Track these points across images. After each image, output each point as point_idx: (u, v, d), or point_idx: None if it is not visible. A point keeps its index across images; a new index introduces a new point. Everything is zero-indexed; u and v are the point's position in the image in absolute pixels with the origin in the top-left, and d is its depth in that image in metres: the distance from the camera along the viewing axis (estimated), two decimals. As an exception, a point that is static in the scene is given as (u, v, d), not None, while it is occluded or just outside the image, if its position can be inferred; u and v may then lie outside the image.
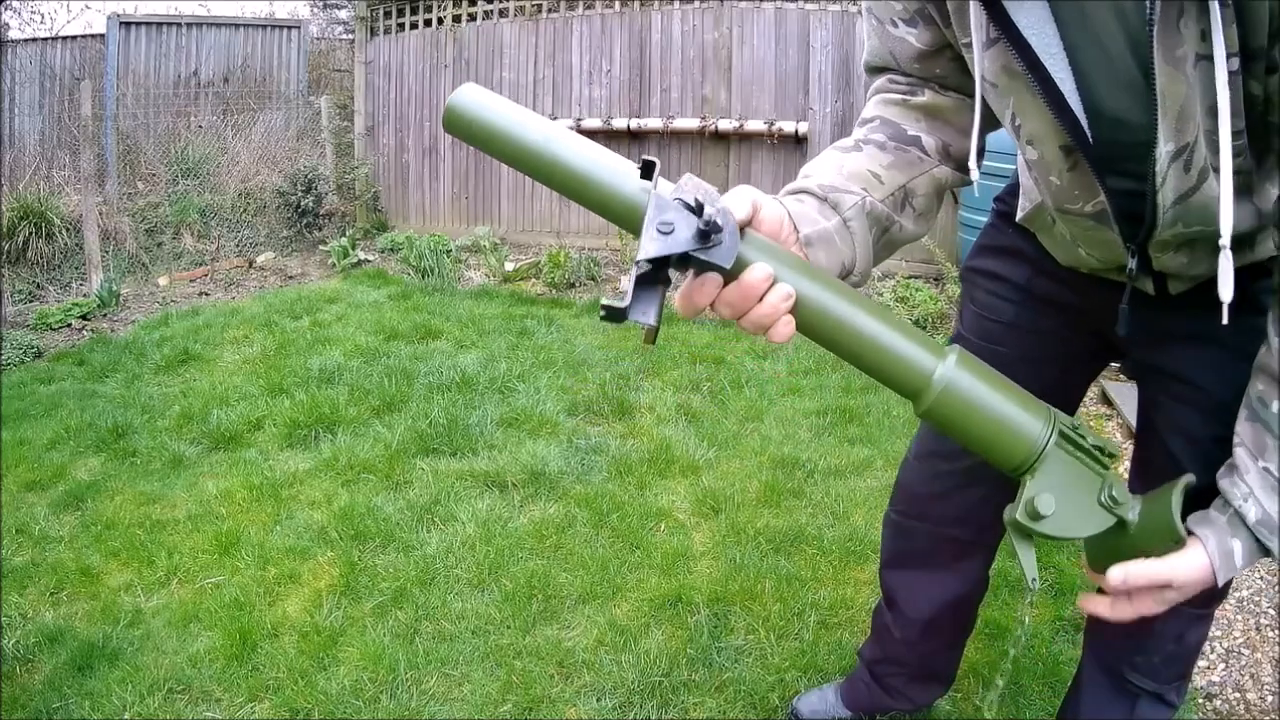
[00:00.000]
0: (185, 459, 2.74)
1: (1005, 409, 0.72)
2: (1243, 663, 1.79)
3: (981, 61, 0.78)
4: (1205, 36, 0.66)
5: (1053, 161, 0.82)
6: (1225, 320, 0.72)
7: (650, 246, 0.63)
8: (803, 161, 5.16)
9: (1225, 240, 0.70)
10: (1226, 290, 0.71)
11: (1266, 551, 0.78)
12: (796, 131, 4.90)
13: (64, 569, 2.15)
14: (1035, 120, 0.79)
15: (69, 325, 4.50)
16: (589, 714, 1.64)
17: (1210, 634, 1.87)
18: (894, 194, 0.85)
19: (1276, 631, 1.88)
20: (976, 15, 0.75)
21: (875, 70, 0.93)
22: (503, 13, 5.86)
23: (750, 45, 5.09)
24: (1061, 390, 0.84)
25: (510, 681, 1.71)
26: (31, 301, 5.03)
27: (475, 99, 0.72)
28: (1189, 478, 0.79)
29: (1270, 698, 1.69)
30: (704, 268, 0.67)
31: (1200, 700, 1.69)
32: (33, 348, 4.00)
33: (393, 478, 2.55)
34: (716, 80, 5.20)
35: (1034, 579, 0.78)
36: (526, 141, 0.71)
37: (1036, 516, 0.74)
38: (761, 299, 0.65)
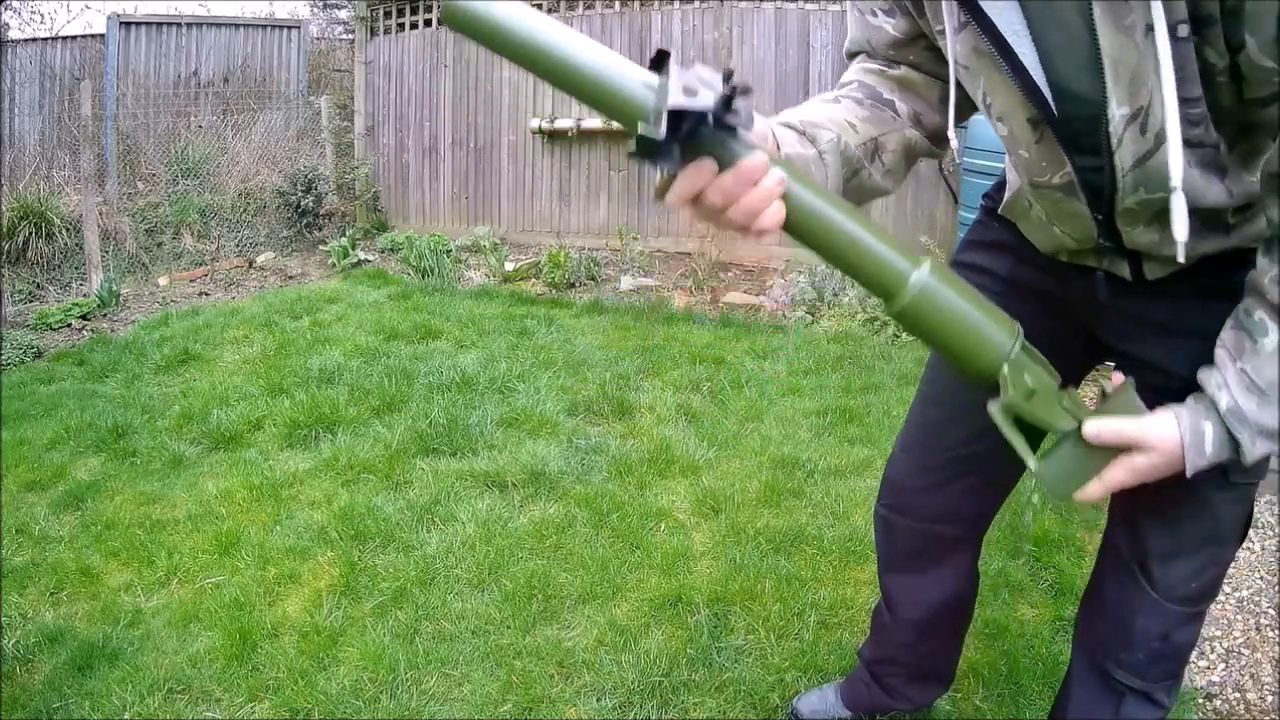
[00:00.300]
0: (185, 459, 2.74)
1: (976, 315, 0.77)
2: (1243, 663, 1.79)
3: (954, 45, 0.84)
4: (1150, 9, 0.70)
5: (1021, 135, 0.86)
6: (1180, 257, 0.75)
7: (678, 100, 0.63)
8: (803, 161, 5.17)
9: (1176, 182, 0.74)
10: (1181, 229, 0.74)
11: (1236, 446, 0.81)
12: (796, 131, 4.90)
13: (64, 569, 2.15)
14: (1004, 97, 0.84)
15: (69, 325, 4.50)
16: (589, 714, 1.64)
17: (1210, 634, 1.87)
18: (866, 143, 0.90)
19: (1276, 631, 1.88)
20: (947, 2, 0.81)
21: (854, 56, 1.00)
22: (503, 13, 5.85)
23: (750, 45, 5.09)
24: None
25: (510, 681, 1.71)
26: (31, 301, 5.03)
27: None
28: (1132, 379, 0.85)
29: (1270, 698, 1.69)
30: (719, 139, 0.67)
31: (1200, 700, 1.69)
32: (33, 348, 4.00)
33: (393, 478, 2.55)
34: (716, 80, 5.19)
35: (1034, 466, 0.84)
36: (530, 35, 0.70)
37: (1030, 394, 0.79)
38: (756, 184, 0.67)
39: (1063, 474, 0.86)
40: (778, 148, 0.80)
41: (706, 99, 0.64)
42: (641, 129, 0.63)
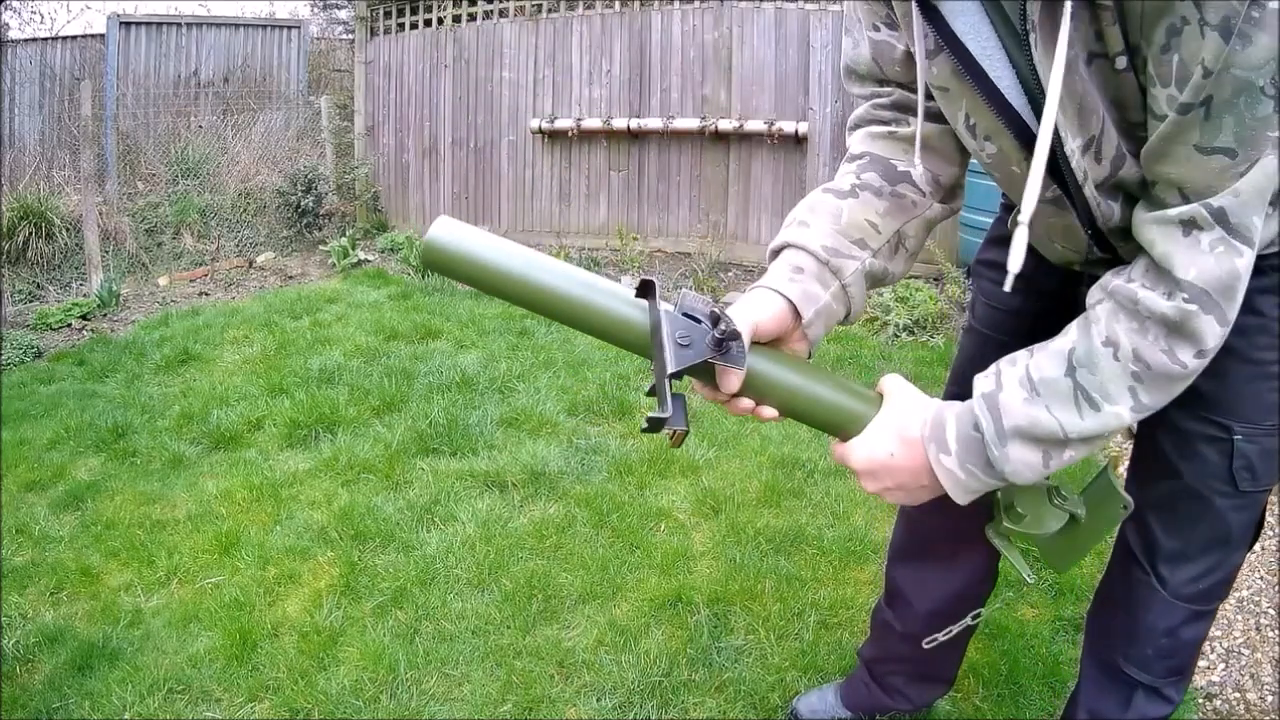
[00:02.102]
0: (185, 459, 2.74)
1: None
2: (1243, 663, 1.79)
3: (930, 69, 0.81)
4: (1100, 36, 0.68)
5: (1010, 152, 0.84)
6: (1008, 287, 0.74)
7: (676, 359, 0.71)
8: (803, 162, 5.14)
9: (1024, 217, 0.72)
10: (1016, 260, 0.72)
11: (977, 431, 0.76)
12: (796, 132, 4.90)
13: (64, 569, 2.15)
14: (989, 116, 0.81)
15: (69, 325, 4.50)
16: (589, 714, 1.64)
17: (1210, 634, 1.87)
18: (889, 241, 0.91)
19: (1276, 631, 1.88)
20: (919, 25, 0.78)
21: (858, 77, 0.96)
22: (503, 13, 5.86)
23: (750, 45, 5.09)
24: None
25: (510, 681, 1.71)
26: (31, 301, 5.03)
27: (454, 232, 0.79)
28: (1108, 461, 0.88)
29: (1270, 698, 1.69)
30: (722, 370, 0.76)
31: (1200, 700, 1.69)
32: (33, 348, 4.00)
33: (393, 478, 2.54)
34: (716, 80, 5.20)
35: (1029, 575, 0.90)
36: (516, 271, 0.77)
37: (1018, 517, 0.84)
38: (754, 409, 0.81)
39: (1056, 551, 0.90)
40: (797, 316, 0.84)
41: (700, 347, 0.72)
42: (651, 413, 0.71)
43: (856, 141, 0.96)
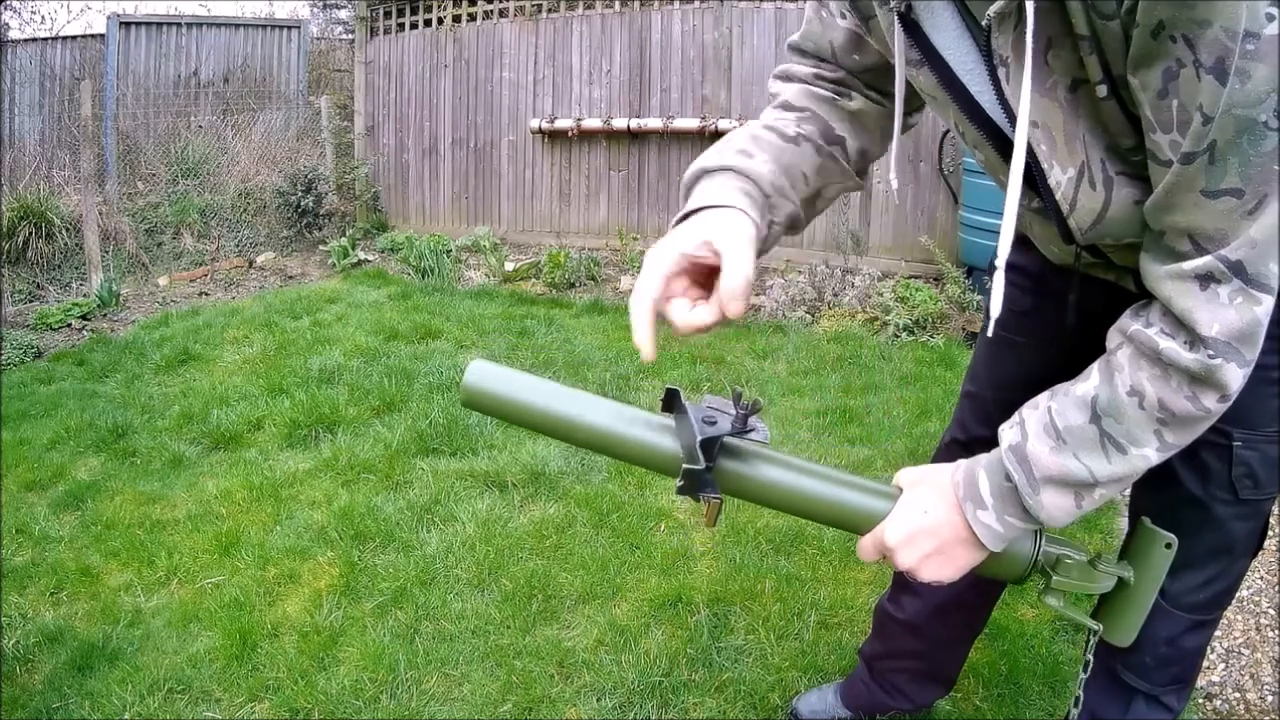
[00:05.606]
0: (185, 459, 2.74)
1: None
2: (1243, 663, 1.79)
3: (917, 77, 0.81)
4: (1083, 64, 0.67)
5: (995, 163, 0.84)
6: (990, 332, 0.78)
7: (702, 433, 0.75)
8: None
9: (1000, 262, 0.73)
10: (996, 304, 0.74)
11: (1010, 482, 0.77)
12: (796, 131, 4.89)
13: (64, 569, 2.15)
14: (972, 129, 0.81)
15: (69, 325, 4.50)
16: (589, 714, 1.64)
17: (1210, 634, 1.87)
18: (810, 196, 0.91)
19: (1276, 631, 1.88)
20: (899, 39, 0.78)
21: (805, 54, 0.95)
22: (503, 13, 5.86)
23: (750, 45, 5.09)
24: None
25: (510, 681, 1.71)
26: (31, 301, 5.03)
27: (487, 374, 0.81)
28: (1143, 518, 0.86)
29: (1270, 698, 1.69)
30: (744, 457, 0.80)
31: (1200, 700, 1.69)
32: (33, 348, 4.01)
33: (393, 478, 2.54)
34: (716, 80, 5.20)
35: (1095, 624, 0.89)
36: (547, 407, 0.80)
37: (1062, 582, 0.85)
38: None
39: (1113, 620, 0.89)
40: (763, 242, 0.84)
41: (725, 424, 0.76)
42: (686, 466, 0.74)
43: (796, 95, 0.93)
